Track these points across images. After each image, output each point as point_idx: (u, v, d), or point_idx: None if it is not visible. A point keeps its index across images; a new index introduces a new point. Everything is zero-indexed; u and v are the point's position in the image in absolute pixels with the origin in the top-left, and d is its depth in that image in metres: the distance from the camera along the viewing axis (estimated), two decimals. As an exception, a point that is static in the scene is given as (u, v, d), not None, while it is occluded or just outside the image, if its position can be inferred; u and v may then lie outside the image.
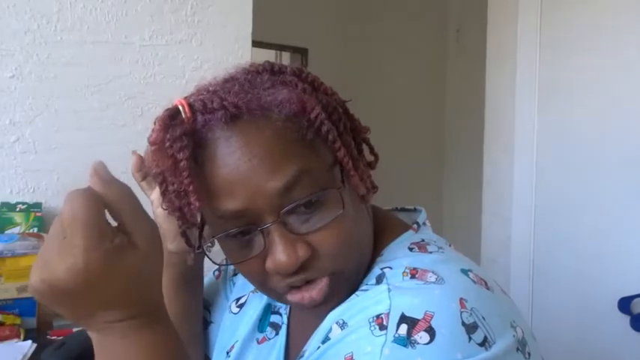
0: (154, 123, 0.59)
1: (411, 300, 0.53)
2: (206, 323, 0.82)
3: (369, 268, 0.61)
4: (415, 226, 0.66)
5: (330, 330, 0.55)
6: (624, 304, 1.59)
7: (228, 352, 0.76)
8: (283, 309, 0.74)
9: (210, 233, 0.61)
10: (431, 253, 0.60)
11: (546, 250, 1.91)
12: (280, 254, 0.55)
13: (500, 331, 0.53)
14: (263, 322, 0.75)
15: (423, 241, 0.63)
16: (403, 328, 0.51)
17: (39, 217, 1.37)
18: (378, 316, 0.52)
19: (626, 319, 1.58)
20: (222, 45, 1.60)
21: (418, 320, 0.51)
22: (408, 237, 0.64)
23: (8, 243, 1.26)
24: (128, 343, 0.50)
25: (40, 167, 1.44)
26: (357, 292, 0.58)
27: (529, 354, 0.56)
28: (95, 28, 1.47)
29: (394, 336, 0.50)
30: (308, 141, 0.56)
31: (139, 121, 1.52)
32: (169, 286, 0.75)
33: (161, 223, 0.73)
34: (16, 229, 1.35)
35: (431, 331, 0.50)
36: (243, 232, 0.57)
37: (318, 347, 0.56)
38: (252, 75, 0.60)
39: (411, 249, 0.61)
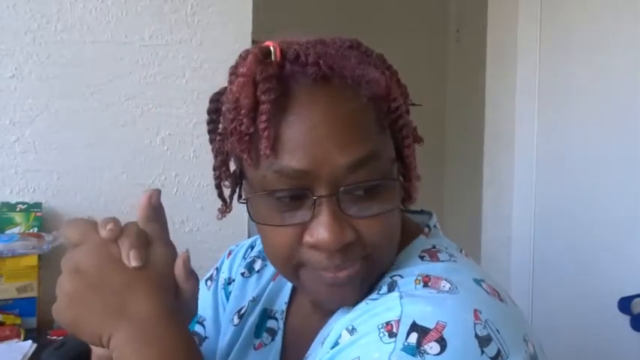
0: (241, 56, 0.58)
1: (424, 308, 0.51)
2: (200, 340, 0.79)
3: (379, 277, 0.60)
4: (426, 229, 0.65)
5: (340, 336, 0.54)
6: (624, 304, 1.59)
7: None
8: (279, 314, 0.73)
9: (254, 188, 0.56)
10: (442, 261, 0.59)
11: (546, 250, 1.91)
12: (325, 229, 0.52)
13: (514, 345, 0.52)
14: (260, 327, 0.73)
15: (434, 247, 0.61)
16: (413, 337, 0.49)
17: (39, 217, 1.37)
18: (388, 323, 0.51)
19: (626, 319, 1.58)
20: (222, 45, 1.60)
21: (429, 330, 0.49)
22: (419, 244, 0.62)
23: (8, 243, 1.26)
24: (180, 331, 0.54)
25: (40, 167, 1.44)
26: (366, 300, 0.56)
27: None
28: (95, 28, 1.47)
29: (403, 344, 0.49)
30: (383, 127, 0.56)
31: (139, 121, 1.52)
32: None
33: None
34: (16, 229, 1.35)
35: (442, 342, 0.49)
36: (293, 196, 0.54)
37: (327, 352, 0.54)
38: (343, 46, 0.57)
39: (422, 257, 0.60)
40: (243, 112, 0.53)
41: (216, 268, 0.83)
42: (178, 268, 0.57)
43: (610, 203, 1.68)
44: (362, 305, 0.56)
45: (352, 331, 0.53)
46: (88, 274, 0.53)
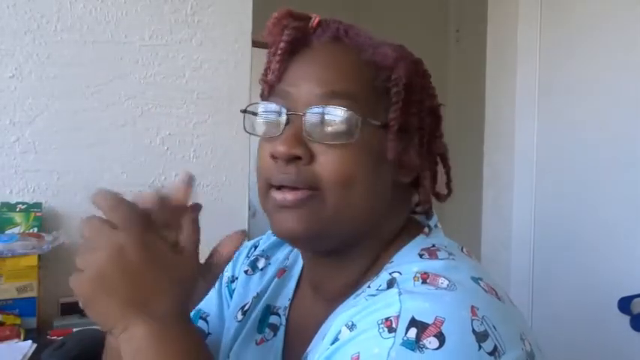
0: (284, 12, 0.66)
1: (422, 304, 0.52)
2: (204, 335, 0.81)
3: (377, 274, 0.61)
4: (426, 229, 0.66)
5: (339, 332, 0.55)
6: (624, 304, 1.59)
7: (228, 355, 0.76)
8: (282, 310, 0.74)
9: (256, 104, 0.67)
10: (441, 259, 0.60)
11: (546, 250, 1.91)
12: (282, 141, 0.60)
13: (511, 342, 0.53)
14: (262, 323, 0.74)
15: (433, 246, 0.63)
16: (412, 332, 0.50)
17: (39, 217, 1.37)
18: (387, 319, 0.52)
19: (626, 319, 1.58)
20: (222, 45, 1.60)
21: (428, 325, 0.51)
22: (419, 242, 0.64)
23: (8, 243, 1.26)
24: (193, 330, 0.56)
25: (40, 167, 1.44)
26: (366, 296, 0.57)
27: None
28: (95, 28, 1.47)
29: (403, 339, 0.50)
30: (376, 87, 0.63)
31: (139, 121, 1.52)
32: None
33: None
34: (16, 229, 1.35)
35: (440, 337, 0.50)
36: (278, 112, 0.63)
37: (327, 349, 0.55)
38: (376, 36, 0.66)
39: (420, 255, 0.61)
40: (271, 50, 0.65)
41: None
42: (221, 260, 0.64)
43: (610, 203, 1.68)
44: (361, 301, 0.57)
45: (352, 327, 0.54)
46: (129, 260, 0.54)
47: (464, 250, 0.65)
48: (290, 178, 0.61)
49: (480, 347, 0.51)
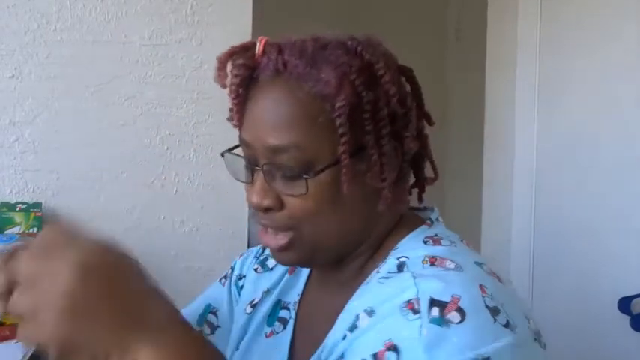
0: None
1: (437, 284, 0.55)
2: (213, 327, 0.85)
3: (384, 260, 0.64)
4: (429, 222, 0.70)
5: (357, 318, 0.57)
6: (624, 304, 1.59)
7: (237, 346, 0.78)
8: (292, 304, 0.76)
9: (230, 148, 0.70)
10: (445, 246, 0.64)
11: (546, 250, 1.91)
12: (252, 194, 0.64)
13: (518, 318, 0.56)
14: (272, 316, 0.77)
15: (436, 235, 0.66)
16: (435, 310, 0.53)
17: (39, 217, 1.37)
18: (408, 301, 0.54)
19: (626, 319, 1.58)
20: (222, 45, 1.58)
21: (447, 302, 0.53)
22: (423, 231, 0.67)
23: (8, 243, 1.26)
24: (193, 328, 0.52)
25: (40, 167, 1.44)
26: (379, 279, 0.60)
27: (545, 345, 0.59)
28: (95, 28, 1.47)
29: (429, 317, 0.52)
30: (321, 123, 0.61)
31: (139, 121, 1.52)
32: None
33: None
34: (16, 229, 1.35)
35: (461, 311, 0.53)
36: (249, 161, 0.66)
37: (345, 336, 0.57)
38: (326, 45, 0.63)
39: (425, 242, 0.65)
40: (227, 90, 0.66)
41: (231, 267, 0.89)
42: None
43: (610, 203, 1.68)
44: (374, 285, 0.60)
45: (371, 312, 0.56)
46: (98, 275, 0.45)
47: (463, 241, 0.68)
48: (267, 223, 0.65)
49: (495, 320, 0.54)
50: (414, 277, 0.56)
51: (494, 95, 2.12)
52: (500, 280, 0.60)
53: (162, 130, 1.54)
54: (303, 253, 0.66)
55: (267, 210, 0.64)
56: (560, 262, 1.85)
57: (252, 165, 0.66)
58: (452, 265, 0.58)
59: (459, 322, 0.52)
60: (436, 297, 0.54)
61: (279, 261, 0.69)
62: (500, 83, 2.08)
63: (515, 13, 1.98)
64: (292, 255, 0.66)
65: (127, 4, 1.50)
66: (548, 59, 1.90)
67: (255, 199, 0.64)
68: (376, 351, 0.52)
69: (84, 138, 1.47)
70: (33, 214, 1.37)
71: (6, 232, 1.34)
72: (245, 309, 0.81)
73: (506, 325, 0.54)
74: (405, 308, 0.54)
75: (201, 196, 1.58)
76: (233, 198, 1.61)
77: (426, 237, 0.66)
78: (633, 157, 1.62)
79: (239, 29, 1.62)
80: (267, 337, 0.76)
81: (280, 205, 0.64)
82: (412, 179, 0.73)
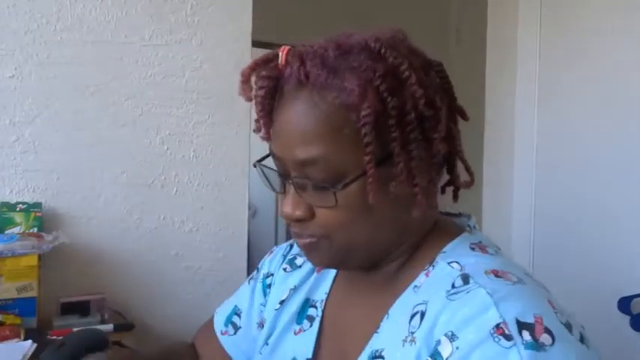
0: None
1: (516, 304, 0.55)
2: (236, 328, 0.88)
3: (429, 263, 0.65)
4: (468, 228, 0.70)
5: (438, 343, 0.56)
6: (624, 304, 1.59)
7: (267, 342, 0.80)
8: (319, 303, 0.78)
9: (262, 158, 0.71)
10: (491, 254, 0.64)
11: (546, 250, 1.91)
12: (285, 205, 0.65)
13: (578, 328, 0.56)
14: (301, 314, 0.78)
15: (480, 242, 0.67)
16: (527, 335, 0.53)
17: (39, 217, 1.37)
18: (497, 327, 0.53)
19: (626, 319, 1.58)
20: (222, 45, 1.60)
21: (533, 325, 0.53)
22: (467, 238, 0.68)
23: (8, 243, 1.26)
24: None
25: (40, 167, 1.44)
26: (447, 296, 0.59)
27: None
28: (95, 28, 1.47)
29: (523, 343, 0.52)
30: (346, 134, 0.61)
31: (139, 121, 1.52)
32: None
33: None
34: (16, 229, 1.35)
35: (549, 333, 0.53)
36: (280, 173, 0.67)
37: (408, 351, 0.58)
38: (347, 51, 0.62)
39: (472, 248, 0.65)
40: (253, 102, 0.67)
41: (257, 268, 0.92)
42: None
43: (610, 203, 1.68)
44: (443, 300, 0.59)
45: (452, 337, 0.55)
46: None
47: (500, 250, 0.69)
48: (299, 231, 0.67)
49: (572, 334, 0.54)
50: (490, 295, 0.56)
51: (495, 95, 2.12)
52: (547, 290, 0.61)
53: (162, 130, 1.54)
54: (334, 257, 0.67)
55: (298, 220, 0.65)
56: (559, 262, 1.85)
57: (283, 177, 0.67)
58: (514, 278, 0.59)
59: (552, 344, 0.52)
60: (521, 319, 0.53)
61: (311, 261, 0.70)
62: (501, 84, 2.08)
63: (516, 15, 1.98)
64: (323, 256, 0.67)
65: (127, 4, 1.50)
66: (548, 60, 1.90)
67: (287, 210, 0.65)
68: None
69: (84, 138, 1.47)
70: (33, 214, 1.37)
71: (6, 232, 1.34)
72: (274, 306, 0.82)
73: (581, 339, 0.55)
74: (495, 334, 0.53)
75: (201, 196, 1.58)
76: (233, 198, 1.61)
77: (471, 244, 0.66)
78: (633, 157, 1.62)
79: (239, 29, 1.62)
80: (295, 334, 0.77)
81: (312, 215, 0.65)
82: (444, 180, 0.72)
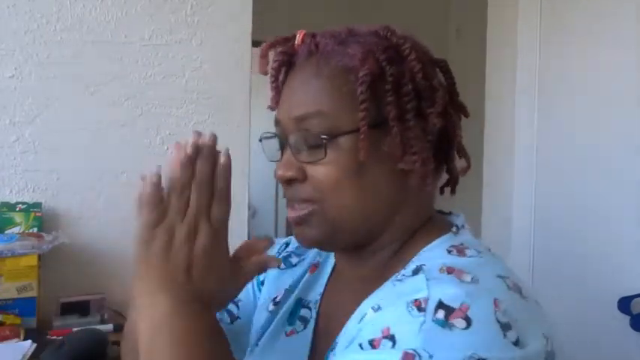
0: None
1: (449, 290, 0.55)
2: (233, 317, 0.86)
3: (404, 265, 0.63)
4: (454, 228, 0.69)
5: (365, 314, 0.57)
6: (624, 304, 1.59)
7: (257, 343, 0.78)
8: (313, 304, 0.77)
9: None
10: (469, 257, 0.62)
11: (546, 250, 1.91)
12: (279, 167, 0.68)
13: (532, 337, 0.54)
14: (293, 315, 0.77)
15: (462, 244, 0.65)
16: (441, 313, 0.52)
17: (39, 217, 1.37)
18: (416, 300, 0.54)
19: (626, 319, 1.58)
20: (222, 45, 1.60)
21: (455, 309, 0.53)
22: (448, 239, 0.66)
23: (8, 243, 1.26)
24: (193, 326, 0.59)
25: (40, 167, 1.44)
26: (392, 281, 0.60)
27: None
28: (95, 28, 1.48)
29: (432, 318, 0.52)
30: (344, 92, 0.64)
31: (139, 121, 1.52)
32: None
33: None
34: (16, 229, 1.35)
35: (467, 320, 0.52)
36: (279, 139, 0.70)
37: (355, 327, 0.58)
38: (355, 33, 0.68)
39: (449, 251, 0.63)
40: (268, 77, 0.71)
41: None
42: (259, 257, 0.70)
43: (610, 203, 1.68)
44: (388, 285, 0.60)
45: (377, 309, 0.56)
46: (152, 253, 0.63)
47: (490, 250, 0.67)
48: (291, 196, 0.68)
49: (504, 335, 0.52)
50: (427, 280, 0.56)
51: (494, 95, 2.12)
52: (522, 295, 0.59)
53: (162, 130, 1.54)
54: (323, 229, 0.67)
55: (290, 181, 0.67)
56: (559, 262, 1.85)
57: (281, 140, 0.70)
58: (468, 278, 0.57)
59: (464, 329, 0.51)
60: (445, 301, 0.53)
61: (300, 238, 0.70)
62: (500, 83, 2.08)
63: (516, 13, 1.98)
64: (313, 231, 0.67)
65: (127, 4, 1.50)
66: (548, 59, 1.90)
67: (280, 171, 0.67)
68: (373, 337, 0.53)
69: (84, 138, 1.47)
70: (33, 214, 1.37)
71: (6, 232, 1.34)
72: (268, 306, 0.81)
73: (516, 342, 0.52)
74: (411, 304, 0.54)
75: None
76: (233, 198, 1.61)
77: (450, 246, 0.64)
78: (633, 157, 1.62)
79: (239, 29, 1.62)
80: (287, 335, 0.76)
81: (304, 176, 0.66)
82: (443, 181, 0.73)
